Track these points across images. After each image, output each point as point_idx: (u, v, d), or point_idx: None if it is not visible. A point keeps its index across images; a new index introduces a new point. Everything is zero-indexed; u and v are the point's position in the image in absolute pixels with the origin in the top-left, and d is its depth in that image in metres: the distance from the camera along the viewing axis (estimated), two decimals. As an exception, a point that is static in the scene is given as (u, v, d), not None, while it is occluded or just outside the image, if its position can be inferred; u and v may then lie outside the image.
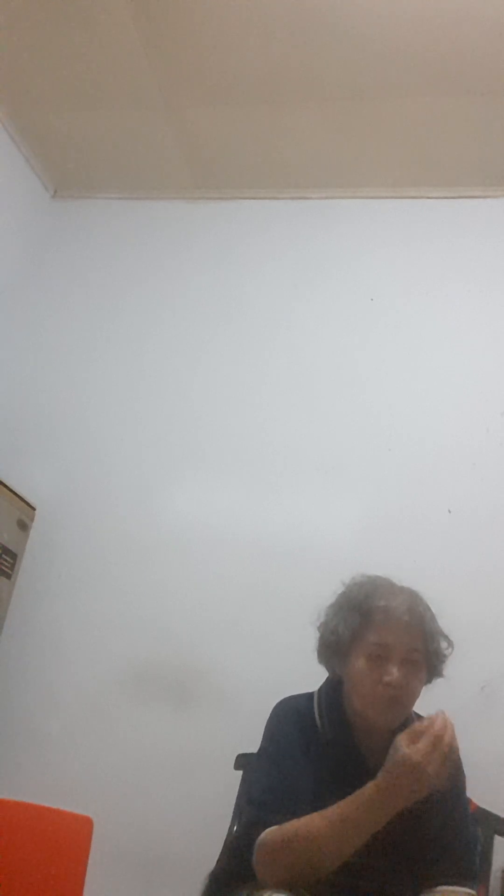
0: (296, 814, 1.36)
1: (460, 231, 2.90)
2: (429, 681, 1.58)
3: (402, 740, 1.31)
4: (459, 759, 1.43)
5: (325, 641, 1.59)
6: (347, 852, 1.32)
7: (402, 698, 1.47)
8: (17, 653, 2.57)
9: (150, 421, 2.87)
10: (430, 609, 1.57)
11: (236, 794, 1.97)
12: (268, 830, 1.36)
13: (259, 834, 1.37)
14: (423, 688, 1.59)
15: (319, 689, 1.62)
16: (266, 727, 1.58)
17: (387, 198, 3.01)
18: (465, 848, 1.49)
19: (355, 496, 2.60)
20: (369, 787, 1.33)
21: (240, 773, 1.98)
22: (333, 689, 1.58)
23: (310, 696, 1.62)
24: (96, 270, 3.21)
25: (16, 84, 2.88)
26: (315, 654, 1.63)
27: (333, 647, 1.57)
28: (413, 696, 1.50)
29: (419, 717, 1.58)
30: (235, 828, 1.86)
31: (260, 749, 1.55)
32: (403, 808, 1.36)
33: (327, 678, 1.63)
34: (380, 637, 1.50)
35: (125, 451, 2.84)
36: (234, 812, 1.96)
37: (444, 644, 1.56)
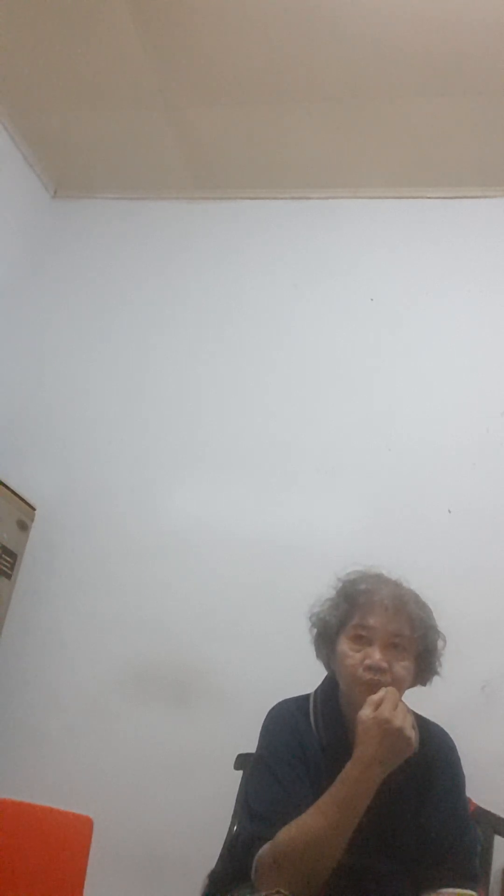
0: None
1: (460, 231, 2.90)
2: (423, 680, 1.57)
3: (365, 709, 1.38)
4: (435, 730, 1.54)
5: (316, 631, 1.60)
6: (346, 839, 1.32)
7: (385, 683, 1.44)
8: (17, 653, 2.57)
9: (150, 420, 2.87)
10: (422, 602, 1.57)
11: (236, 794, 1.97)
12: (263, 848, 1.34)
13: (259, 848, 1.35)
14: (424, 688, 1.59)
15: (315, 692, 1.61)
16: (261, 734, 1.56)
17: (387, 198, 3.01)
18: (467, 849, 1.48)
19: (355, 496, 2.59)
20: (350, 765, 1.35)
21: (240, 773, 1.98)
22: (330, 691, 1.57)
23: (305, 698, 1.60)
24: (96, 270, 3.20)
25: (16, 84, 2.88)
26: (314, 650, 1.63)
27: (323, 636, 1.59)
28: (399, 683, 1.47)
29: (416, 715, 1.58)
30: (235, 828, 1.86)
31: (255, 757, 1.54)
32: (402, 805, 1.37)
33: (324, 679, 1.63)
34: (362, 619, 1.51)
35: (125, 452, 2.84)
36: (234, 812, 1.96)
37: (434, 636, 1.55)
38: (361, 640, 1.50)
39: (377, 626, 1.49)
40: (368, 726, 1.36)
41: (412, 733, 1.36)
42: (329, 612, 1.57)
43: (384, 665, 1.45)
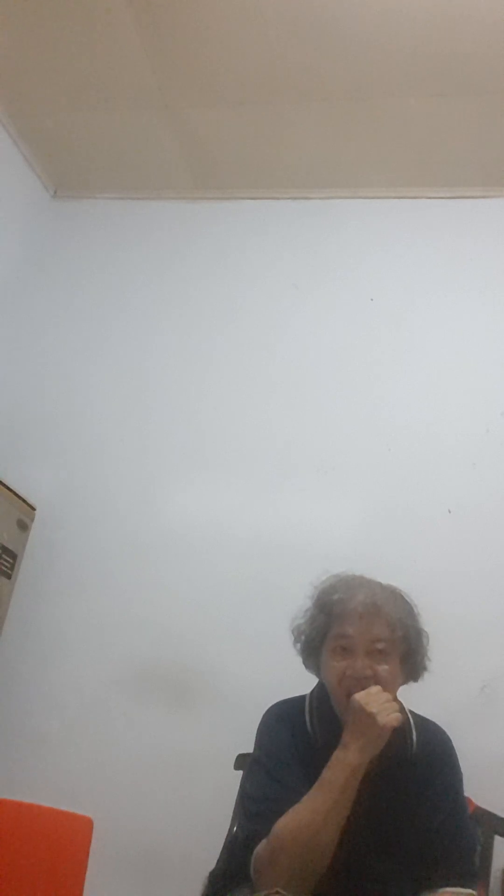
0: None
1: (460, 231, 2.90)
2: (413, 677, 1.57)
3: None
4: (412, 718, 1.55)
5: (299, 645, 1.60)
6: (338, 825, 1.33)
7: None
8: (17, 653, 2.57)
9: (150, 420, 2.87)
10: (400, 601, 1.57)
11: (236, 794, 1.97)
12: (260, 844, 1.35)
13: (257, 845, 1.36)
14: (424, 689, 1.59)
15: (312, 692, 1.61)
16: (257, 734, 1.57)
17: (387, 198, 3.01)
18: (465, 848, 1.48)
19: (355, 496, 2.59)
20: (336, 753, 1.39)
21: (240, 772, 1.98)
22: (325, 692, 1.58)
23: (301, 699, 1.61)
24: (96, 270, 3.20)
25: (16, 84, 2.88)
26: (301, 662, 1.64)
27: (306, 650, 1.59)
28: (387, 685, 1.48)
29: (413, 714, 1.59)
30: (235, 828, 1.86)
31: (252, 757, 1.55)
32: (401, 804, 1.37)
33: (319, 681, 1.63)
34: (340, 629, 1.52)
35: (125, 451, 2.83)
36: (234, 812, 1.96)
37: (416, 634, 1.55)
38: (343, 650, 1.50)
39: (356, 635, 1.50)
40: (347, 711, 1.42)
41: (387, 719, 1.38)
42: (308, 626, 1.58)
43: (368, 673, 1.47)
